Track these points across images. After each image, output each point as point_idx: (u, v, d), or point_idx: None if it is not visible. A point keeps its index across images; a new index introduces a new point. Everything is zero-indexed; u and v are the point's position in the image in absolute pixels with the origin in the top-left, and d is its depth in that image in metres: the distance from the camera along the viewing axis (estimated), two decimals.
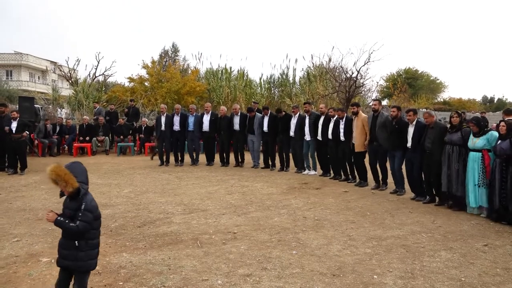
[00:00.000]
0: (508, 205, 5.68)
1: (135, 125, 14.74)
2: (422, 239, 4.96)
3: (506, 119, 6.35)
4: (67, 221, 2.80)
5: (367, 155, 8.33)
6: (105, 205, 6.65)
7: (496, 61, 64.30)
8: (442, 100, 44.56)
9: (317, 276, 3.80)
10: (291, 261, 4.18)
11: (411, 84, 43.01)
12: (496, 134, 6.08)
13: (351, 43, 47.17)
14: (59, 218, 2.81)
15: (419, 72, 47.00)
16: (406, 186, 7.57)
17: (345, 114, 8.73)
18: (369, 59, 16.26)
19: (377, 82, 29.71)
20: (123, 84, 21.90)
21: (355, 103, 8.83)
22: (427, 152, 6.81)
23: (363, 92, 18.97)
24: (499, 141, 5.94)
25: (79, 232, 2.82)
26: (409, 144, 7.15)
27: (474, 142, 6.20)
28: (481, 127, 6.20)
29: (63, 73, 22.53)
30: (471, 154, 6.24)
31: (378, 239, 4.94)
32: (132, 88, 19.61)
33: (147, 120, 15.08)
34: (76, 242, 2.86)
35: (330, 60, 18.97)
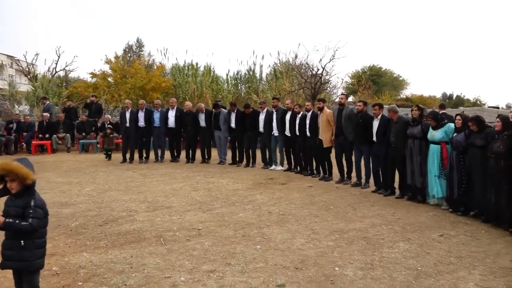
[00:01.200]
0: (464, 195, 5.95)
1: (97, 121, 14.32)
2: (382, 231, 5.11)
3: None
4: (17, 221, 2.66)
5: (333, 150, 8.48)
6: (65, 204, 6.44)
7: (455, 60, 67.12)
8: (404, 96, 45.96)
9: (280, 270, 3.84)
10: (255, 256, 4.20)
11: (375, 81, 44.05)
12: (453, 126, 6.33)
13: (316, 40, 47.78)
14: (7, 220, 2.65)
15: (383, 69, 48.24)
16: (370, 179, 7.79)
17: (312, 109, 8.84)
18: (334, 56, 16.54)
19: (342, 79, 30.23)
20: (85, 79, 21.20)
21: (321, 99, 8.98)
22: (391, 146, 7.01)
23: (328, 88, 19.27)
24: (455, 134, 6.20)
25: (33, 229, 2.69)
26: (374, 138, 7.34)
27: (433, 134, 6.43)
28: (438, 120, 6.45)
29: (21, 68, 21.54)
30: (431, 146, 6.47)
31: (340, 232, 5.05)
32: (94, 83, 19.02)
33: (110, 116, 14.68)
34: (22, 241, 2.71)
35: (296, 57, 19.14)
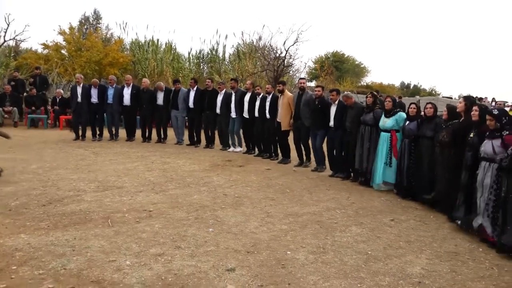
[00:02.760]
0: (414, 182, 6.10)
1: (47, 95, 13.53)
2: (336, 215, 5.14)
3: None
4: None
5: (291, 133, 8.45)
6: (7, 182, 6.02)
7: (414, 50, 69.18)
8: (365, 84, 46.94)
9: (231, 254, 3.75)
10: (206, 239, 4.08)
11: (337, 67, 44.55)
12: (404, 115, 6.44)
13: (281, 22, 47.45)
14: None
15: (346, 56, 48.87)
16: (327, 163, 7.84)
17: (272, 91, 8.74)
18: (297, 39, 16.45)
19: (305, 63, 30.36)
20: (36, 50, 19.91)
21: (281, 81, 8.89)
22: (347, 131, 7.07)
23: (291, 72, 19.22)
24: (407, 122, 6.30)
25: None
26: (331, 123, 7.37)
27: (385, 122, 6.52)
28: (395, 106, 6.56)
29: None
30: (382, 134, 6.57)
31: (295, 215, 5.03)
32: (46, 55, 17.91)
33: (62, 91, 13.92)
34: None
35: (260, 38, 18.89)
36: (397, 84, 50.33)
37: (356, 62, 49.81)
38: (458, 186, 4.78)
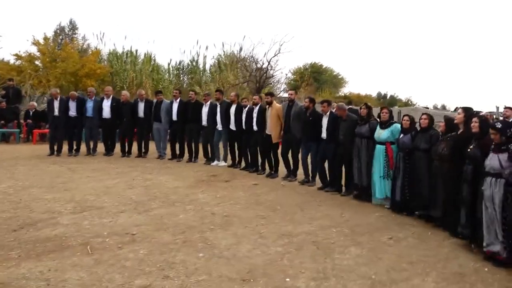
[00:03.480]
0: (408, 197, 5.91)
1: (20, 108, 12.90)
2: (332, 234, 4.87)
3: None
4: None
5: (279, 146, 8.22)
6: None
7: (389, 61, 70.54)
8: (343, 94, 47.39)
9: (226, 283, 3.42)
10: (197, 266, 3.74)
11: (316, 78, 44.88)
12: (399, 126, 6.28)
13: (262, 33, 47.59)
14: None
15: (324, 67, 49.33)
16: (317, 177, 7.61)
17: (260, 102, 8.48)
18: (279, 50, 16.35)
19: (286, 74, 30.36)
20: (8, 61, 19.12)
21: (270, 93, 8.64)
22: (340, 144, 6.86)
23: (272, 83, 19.10)
24: (402, 135, 6.14)
25: None
26: (323, 135, 7.16)
27: (380, 133, 6.35)
28: (391, 117, 6.40)
29: None
30: (377, 146, 6.39)
31: (289, 235, 4.74)
32: (19, 66, 17.21)
33: (35, 104, 13.30)
34: None
35: (241, 49, 18.73)
36: (374, 94, 51.10)
37: (334, 73, 50.36)
38: (460, 201, 4.59)
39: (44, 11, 53.83)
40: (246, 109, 8.59)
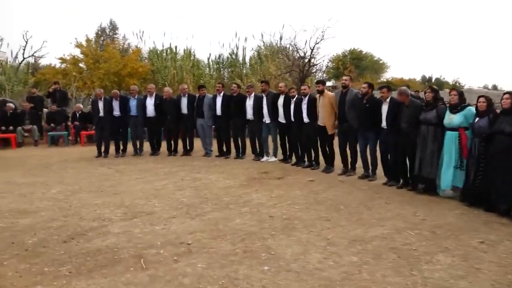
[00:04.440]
0: (484, 189, 5.19)
1: (67, 111, 13.01)
2: (411, 238, 4.24)
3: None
4: None
5: (336, 137, 7.61)
6: (24, 212, 5.35)
7: (433, 42, 66.91)
8: (385, 80, 45.50)
9: None
10: (263, 283, 3.26)
11: (356, 65, 43.35)
12: (473, 110, 5.56)
13: (301, 20, 46.36)
14: None
15: (363, 53, 47.54)
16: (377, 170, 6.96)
17: (309, 92, 7.89)
18: (323, 37, 15.54)
19: (328, 62, 29.32)
20: (54, 65, 19.54)
21: (321, 81, 8.00)
22: (402, 133, 6.17)
23: (315, 72, 18.32)
24: (477, 119, 5.42)
25: None
26: (383, 124, 6.48)
27: (451, 118, 5.64)
28: (462, 100, 5.66)
29: None
30: (448, 133, 5.70)
31: (361, 241, 4.16)
32: (64, 69, 17.51)
33: (81, 105, 13.39)
34: None
35: (281, 38, 18.07)
36: (418, 78, 48.78)
37: (375, 59, 48.48)
38: None
39: (85, 13, 55.41)
40: (294, 99, 8.03)
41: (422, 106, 6.14)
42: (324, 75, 26.15)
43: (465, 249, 3.92)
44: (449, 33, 67.59)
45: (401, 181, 6.43)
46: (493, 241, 4.15)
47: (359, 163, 7.23)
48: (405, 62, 63.89)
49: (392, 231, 4.44)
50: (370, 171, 7.01)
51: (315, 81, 8.18)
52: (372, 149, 6.88)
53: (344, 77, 7.44)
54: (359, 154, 7.18)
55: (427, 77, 58.84)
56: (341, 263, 3.64)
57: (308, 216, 5.00)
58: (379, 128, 6.62)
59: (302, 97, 7.87)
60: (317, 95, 7.62)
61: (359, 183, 6.77)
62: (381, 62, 48.88)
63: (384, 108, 6.51)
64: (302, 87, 8.15)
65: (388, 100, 6.50)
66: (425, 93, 6.33)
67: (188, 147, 10.05)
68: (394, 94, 6.70)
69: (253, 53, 20.12)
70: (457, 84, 43.65)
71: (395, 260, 3.68)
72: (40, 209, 5.49)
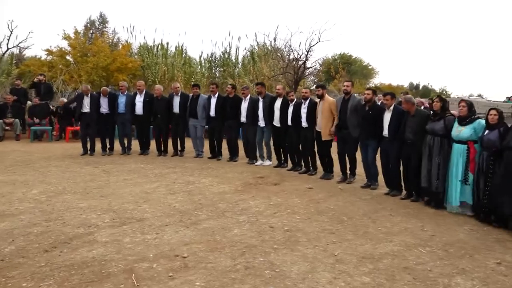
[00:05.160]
0: (492, 204, 4.99)
1: (52, 105, 12.45)
2: (423, 256, 3.96)
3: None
4: None
5: (333, 144, 7.33)
6: (2, 214, 4.92)
7: (421, 49, 67.54)
8: (373, 85, 45.64)
9: None
10: None
11: (345, 69, 43.42)
12: (483, 122, 5.34)
13: (296, 22, 46.15)
14: None
15: (353, 57, 47.68)
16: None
17: (309, 96, 7.59)
18: (319, 39, 15.29)
19: (320, 65, 29.20)
20: (39, 57, 18.85)
21: (321, 85, 7.71)
22: (407, 143, 5.92)
23: (309, 74, 18.07)
24: (487, 131, 5.20)
25: None
26: (385, 133, 6.22)
27: (459, 131, 5.41)
28: (472, 112, 5.43)
29: None
30: (455, 146, 5.47)
31: (371, 258, 3.86)
32: (50, 62, 16.86)
33: (65, 100, 12.81)
34: None
35: (275, 39, 17.74)
36: (406, 84, 49.11)
37: (364, 64, 48.67)
38: None
39: (74, 5, 54.07)
40: (293, 103, 7.72)
41: (429, 116, 5.90)
42: (315, 79, 26.00)
43: (482, 271, 3.66)
44: (438, 41, 68.29)
45: (405, 192, 6.19)
46: (510, 262, 3.90)
47: (359, 169, 6.97)
48: (394, 68, 64.18)
49: (402, 248, 4.16)
50: (372, 180, 6.74)
51: (314, 85, 7.85)
52: (372, 157, 6.63)
53: (346, 83, 7.15)
54: (359, 162, 6.91)
55: (415, 84, 59.40)
56: (353, 284, 3.33)
57: (311, 228, 4.69)
58: (381, 137, 6.37)
59: (302, 100, 7.57)
60: (317, 100, 7.33)
61: (360, 192, 6.49)
62: (370, 67, 49.09)
63: (387, 116, 6.26)
64: (303, 90, 7.85)
65: (391, 108, 6.24)
66: (432, 102, 6.09)
67: (179, 148, 9.64)
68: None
69: (246, 53, 19.76)
70: (444, 91, 44.05)
71: (410, 282, 3.38)
72: (19, 211, 5.06)
